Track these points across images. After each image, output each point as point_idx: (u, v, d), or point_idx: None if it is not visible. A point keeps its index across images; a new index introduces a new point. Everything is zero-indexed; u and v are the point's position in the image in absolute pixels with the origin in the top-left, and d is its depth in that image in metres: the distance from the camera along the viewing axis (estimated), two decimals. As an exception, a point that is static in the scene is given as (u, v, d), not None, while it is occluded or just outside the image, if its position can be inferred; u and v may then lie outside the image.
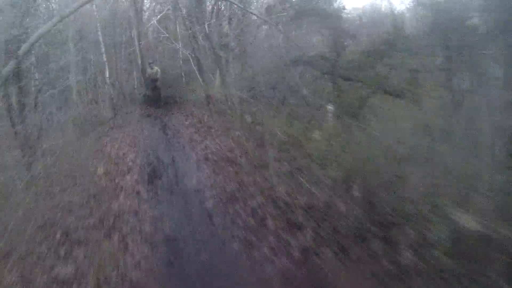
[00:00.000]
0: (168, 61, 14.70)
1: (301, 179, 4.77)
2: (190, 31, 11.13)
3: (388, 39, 7.04)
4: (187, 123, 8.63)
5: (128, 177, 5.79)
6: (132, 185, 5.45)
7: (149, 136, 8.03)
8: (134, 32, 14.34)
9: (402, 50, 6.77)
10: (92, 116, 14.76)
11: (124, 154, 6.68)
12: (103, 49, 13.62)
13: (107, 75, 13.09)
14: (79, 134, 12.59)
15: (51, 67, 8.48)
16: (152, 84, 11.69)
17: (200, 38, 11.71)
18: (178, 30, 14.40)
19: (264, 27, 10.41)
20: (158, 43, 15.09)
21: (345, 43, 7.75)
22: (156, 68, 11.59)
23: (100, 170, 5.82)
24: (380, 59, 7.11)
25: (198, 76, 12.11)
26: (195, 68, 12.47)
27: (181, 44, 14.08)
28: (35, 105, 8.96)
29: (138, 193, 5.24)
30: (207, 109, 9.32)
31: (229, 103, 9.43)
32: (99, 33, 13.94)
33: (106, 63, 13.35)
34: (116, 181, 5.61)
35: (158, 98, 11.67)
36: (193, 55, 12.51)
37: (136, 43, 14.09)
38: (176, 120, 9.11)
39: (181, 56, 14.53)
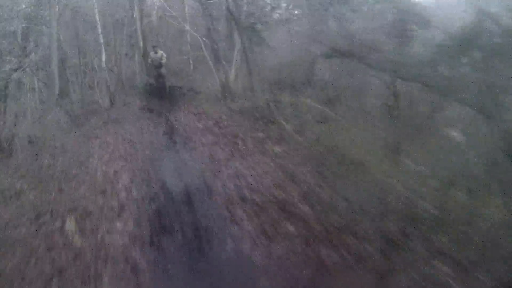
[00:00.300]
0: (173, 45, 12.87)
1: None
2: (204, 7, 9.31)
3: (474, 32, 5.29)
4: (200, 125, 6.81)
5: (119, 224, 3.92)
6: (125, 248, 3.53)
7: (151, 144, 6.21)
8: (136, 10, 12.48)
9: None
10: (87, 103, 13.14)
11: (115, 173, 4.94)
12: (99, 29, 11.80)
13: (103, 59, 11.30)
14: (67, 125, 10.96)
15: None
16: (156, 71, 9.90)
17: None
18: (186, 9, 12.55)
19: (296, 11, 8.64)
20: (163, 24, 13.25)
21: (412, 31, 6.05)
22: (161, 52, 9.80)
23: (71, 224, 4.00)
24: (459, 58, 5.42)
25: (211, 64, 10.32)
26: (206, 54, 10.69)
27: (189, 26, 12.26)
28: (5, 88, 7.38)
29: (134, 268, 3.27)
30: (224, 106, 7.61)
31: (256, 99, 7.72)
32: (96, 10, 12.13)
33: (103, 45, 11.55)
34: (99, 236, 3.74)
35: (162, 88, 9.91)
36: (204, 39, 10.72)
37: (138, 22, 12.24)
38: (185, 119, 7.36)
39: (189, 39, 12.71)
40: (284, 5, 10.01)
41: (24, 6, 9.53)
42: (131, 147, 5.74)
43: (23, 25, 8.64)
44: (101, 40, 11.55)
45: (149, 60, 9.91)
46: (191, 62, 12.48)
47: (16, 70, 7.90)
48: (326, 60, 7.81)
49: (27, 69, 8.23)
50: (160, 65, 9.76)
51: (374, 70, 6.90)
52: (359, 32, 7.35)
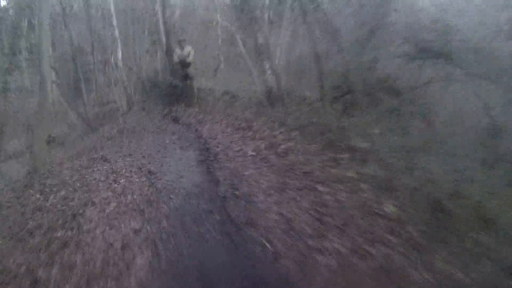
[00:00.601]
0: (201, 40, 11.00)
1: None
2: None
3: None
4: (248, 150, 4.48)
5: None
6: None
7: (180, 183, 3.94)
8: (158, 0, 10.67)
9: None
10: (101, 105, 11.46)
11: (124, 249, 2.95)
12: (115, 21, 10.07)
13: (120, 55, 9.56)
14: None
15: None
16: (183, 70, 8.04)
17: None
18: (217, -4, 10.69)
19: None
20: (189, 15, 11.43)
21: None
22: (188, 48, 7.93)
23: None
24: None
25: (249, 62, 8.42)
26: (242, 50, 8.78)
27: (220, 17, 10.38)
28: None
29: None
30: (273, 117, 5.65)
31: (315, 110, 5.76)
32: (111, 1, 10.40)
33: (119, 41, 9.81)
34: None
35: (190, 91, 8.06)
36: (241, 32, 8.83)
37: (160, 14, 10.44)
38: (225, 138, 5.13)
39: (220, 33, 10.83)
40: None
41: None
42: (151, 186, 3.85)
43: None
44: (117, 35, 9.81)
45: (174, 58, 8.06)
46: (222, 60, 10.58)
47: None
48: (411, 61, 5.80)
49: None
50: (187, 64, 7.90)
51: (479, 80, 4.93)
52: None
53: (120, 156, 5.15)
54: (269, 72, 6.79)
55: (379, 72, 6.22)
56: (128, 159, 4.92)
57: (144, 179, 4.03)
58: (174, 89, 9.00)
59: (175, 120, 7.09)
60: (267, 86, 6.72)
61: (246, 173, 3.78)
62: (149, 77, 10.61)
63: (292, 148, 4.42)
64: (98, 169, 4.69)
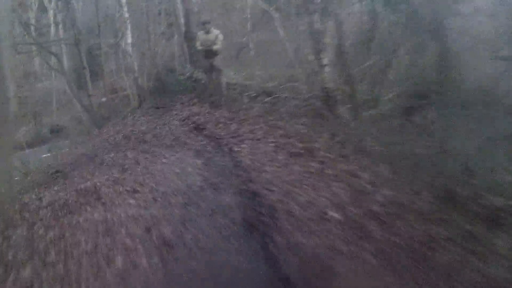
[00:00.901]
0: (225, 23, 9.16)
1: None
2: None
3: None
4: (326, 205, 2.64)
5: None
6: None
7: (214, 243, 2.37)
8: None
9: None
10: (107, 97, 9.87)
11: None
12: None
13: (129, 40, 7.85)
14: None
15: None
16: (207, 61, 6.25)
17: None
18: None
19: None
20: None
21: None
22: (215, 32, 6.11)
23: None
24: None
25: (290, 52, 6.62)
26: (281, 33, 6.97)
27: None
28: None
29: None
30: (340, 132, 3.88)
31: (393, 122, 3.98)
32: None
33: (129, 22, 8.07)
34: None
35: (217, 88, 6.29)
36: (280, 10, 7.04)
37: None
38: (275, 169, 3.35)
39: (249, 15, 8.97)
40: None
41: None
42: (167, 276, 2.12)
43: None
44: (126, 14, 8.07)
45: (197, 44, 6.26)
46: (251, 46, 8.75)
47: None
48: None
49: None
50: (214, 52, 6.10)
51: None
52: None
53: (120, 193, 3.47)
54: (327, 68, 4.96)
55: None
56: (131, 201, 3.23)
57: (156, 259, 2.33)
58: (196, 84, 7.25)
59: (199, 128, 5.35)
60: (325, 87, 4.89)
61: (340, 269, 2.04)
62: (164, 66, 8.87)
63: (394, 201, 2.65)
64: (84, 218, 3.03)
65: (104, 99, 10.09)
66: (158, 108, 7.31)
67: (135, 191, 3.49)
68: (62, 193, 3.78)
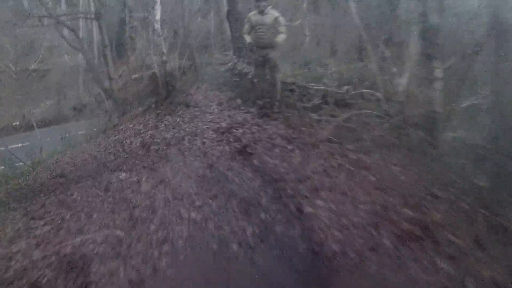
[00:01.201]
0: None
1: None
2: None
3: None
4: None
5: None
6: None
7: None
8: None
9: None
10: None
11: None
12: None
13: (157, 16, 6.33)
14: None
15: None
16: (259, 53, 4.60)
17: None
18: None
19: None
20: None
21: None
22: (274, 13, 4.47)
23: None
24: None
25: (369, 47, 4.87)
26: (357, 21, 5.22)
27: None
28: None
29: None
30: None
31: None
32: None
33: (159, -7, 6.53)
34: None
35: (270, 89, 4.65)
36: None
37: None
38: (374, 263, 1.88)
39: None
40: None
41: None
42: None
43: None
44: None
45: (245, 28, 4.65)
46: (307, 34, 7.05)
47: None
48: None
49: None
50: (270, 43, 4.47)
51: None
52: None
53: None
54: (438, 83, 3.26)
55: None
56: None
57: None
58: (239, 79, 5.69)
59: (244, 152, 3.81)
60: (432, 110, 3.22)
61: None
62: (199, 50, 7.30)
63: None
64: None
65: (126, 82, 8.82)
66: (188, 106, 5.80)
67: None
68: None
